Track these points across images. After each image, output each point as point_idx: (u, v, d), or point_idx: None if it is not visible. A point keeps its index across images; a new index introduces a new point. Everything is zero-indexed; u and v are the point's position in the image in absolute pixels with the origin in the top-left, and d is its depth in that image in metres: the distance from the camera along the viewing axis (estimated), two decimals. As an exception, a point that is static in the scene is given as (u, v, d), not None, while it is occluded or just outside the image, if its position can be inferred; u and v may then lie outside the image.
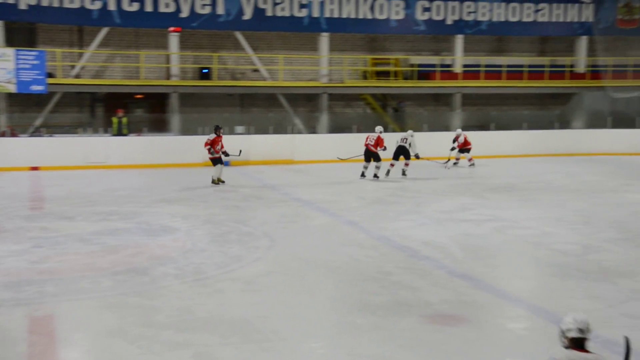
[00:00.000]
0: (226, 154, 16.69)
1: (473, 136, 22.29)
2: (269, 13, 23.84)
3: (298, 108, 25.12)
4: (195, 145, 19.72)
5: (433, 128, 23.59)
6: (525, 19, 25.80)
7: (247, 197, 14.91)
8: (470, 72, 25.63)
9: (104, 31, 23.02)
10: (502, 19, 25.63)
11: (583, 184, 16.80)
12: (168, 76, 24.00)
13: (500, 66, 25.65)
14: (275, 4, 23.84)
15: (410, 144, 18.27)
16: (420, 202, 14.12)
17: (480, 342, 6.59)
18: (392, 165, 18.01)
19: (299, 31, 24.66)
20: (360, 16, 24.55)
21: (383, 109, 26.01)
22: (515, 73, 25.66)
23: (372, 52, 26.29)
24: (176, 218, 12.38)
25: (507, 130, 23.50)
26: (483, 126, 24.07)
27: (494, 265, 9.50)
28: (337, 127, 23.57)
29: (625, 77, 26.13)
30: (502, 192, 15.48)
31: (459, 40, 25.66)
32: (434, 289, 8.16)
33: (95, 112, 24.29)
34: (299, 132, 23.15)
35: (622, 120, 24.08)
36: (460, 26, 25.43)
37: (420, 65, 25.77)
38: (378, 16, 24.68)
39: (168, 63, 23.97)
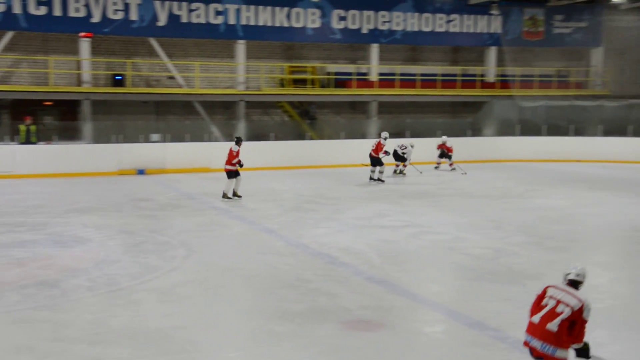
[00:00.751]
0: (241, 165, 15.24)
1: (388, 143, 22.74)
2: (184, 20, 23.53)
3: (215, 116, 24.88)
4: (108, 154, 19.21)
5: (350, 136, 23.83)
6: (437, 29, 26.48)
7: (164, 206, 14.62)
8: (386, 81, 26.07)
9: (8, 35, 22.15)
10: (416, 29, 26.23)
11: (494, 189, 17.33)
12: (79, 83, 23.30)
13: (414, 75, 26.21)
14: (191, 11, 23.56)
15: (404, 153, 19.84)
16: (338, 209, 14.22)
17: (398, 347, 6.67)
18: (397, 165, 19.96)
19: (215, 38, 24.46)
20: (277, 24, 24.59)
21: (301, 117, 26.11)
22: (429, 82, 26.28)
23: (289, 59, 26.37)
24: (89, 228, 12.00)
25: (422, 138, 24.00)
26: (399, 134, 24.49)
27: (410, 270, 9.66)
28: (255, 135, 23.47)
29: (531, 87, 27.20)
30: (417, 199, 15.78)
31: (375, 49, 26.06)
32: (352, 295, 8.21)
33: (0, 119, 23.29)
34: (216, 140, 22.92)
35: (529, 128, 25.02)
36: (375, 35, 25.84)
37: (337, 74, 26.02)
38: (295, 24, 24.78)
39: (79, 69, 23.28)
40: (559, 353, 5.00)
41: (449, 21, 26.54)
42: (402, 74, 26.12)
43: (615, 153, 22.87)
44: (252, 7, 24.23)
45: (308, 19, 24.88)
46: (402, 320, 7.53)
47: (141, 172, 19.80)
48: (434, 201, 15.46)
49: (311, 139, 23.76)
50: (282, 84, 26.07)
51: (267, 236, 11.65)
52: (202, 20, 23.71)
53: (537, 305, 5.22)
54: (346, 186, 17.59)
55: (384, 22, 25.81)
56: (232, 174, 15.19)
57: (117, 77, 23.69)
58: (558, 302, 5.09)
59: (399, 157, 20.05)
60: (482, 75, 27.55)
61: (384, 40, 26.03)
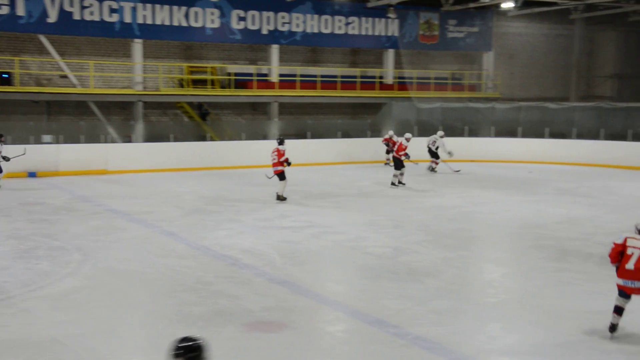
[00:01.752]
0: (288, 164, 15.10)
1: (291, 145, 22.78)
2: (76, 17, 22.67)
3: (111, 116, 24.16)
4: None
5: (251, 137, 23.73)
6: (337, 31, 26.80)
7: (57, 210, 14.05)
8: (287, 82, 26.14)
9: None
10: (316, 31, 26.44)
11: (394, 190, 17.68)
12: (-38, 81, 22.04)
13: (315, 76, 26.42)
14: (84, 8, 22.73)
15: (437, 147, 20.70)
16: (240, 211, 14.12)
17: (301, 347, 6.69)
18: (435, 163, 20.79)
19: (110, 37, 23.72)
20: (175, 23, 24.14)
21: (201, 118, 25.77)
22: (329, 83, 26.55)
23: (189, 60, 25.96)
24: (-25, 235, 11.37)
25: (322, 139, 24.21)
26: (300, 135, 24.61)
27: (312, 270, 9.71)
28: (154, 136, 22.95)
29: (428, 89, 27.98)
30: (318, 199, 15.89)
31: (275, 50, 26.07)
32: (254, 297, 8.17)
33: None
34: (113, 141, 22.26)
35: (426, 128, 25.73)
36: (275, 36, 25.86)
37: (237, 74, 25.85)
38: (193, 24, 24.42)
39: (-39, 67, 22.03)
40: None
41: (347, 23, 26.92)
42: (302, 75, 26.27)
43: (506, 153, 23.86)
44: (149, 5, 23.66)
45: (207, 18, 24.58)
46: (304, 320, 7.55)
47: (32, 174, 18.96)
48: (336, 201, 15.62)
49: (212, 140, 23.49)
50: (181, 84, 25.65)
51: (167, 239, 11.42)
52: (96, 18, 22.93)
53: (619, 253, 6.77)
54: (248, 187, 17.49)
55: (284, 23, 25.87)
56: (283, 175, 15.16)
57: (3, 75, 22.53)
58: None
59: (433, 154, 20.94)
60: (380, 77, 28.09)
61: (284, 42, 26.09)
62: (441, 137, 20.93)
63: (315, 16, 26.31)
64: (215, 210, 14.23)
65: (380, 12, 27.15)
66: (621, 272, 6.76)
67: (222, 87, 25.81)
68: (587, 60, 31.78)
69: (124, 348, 6.56)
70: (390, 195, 16.67)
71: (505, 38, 30.25)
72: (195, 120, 25.57)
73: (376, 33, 27.51)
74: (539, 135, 24.08)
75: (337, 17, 26.69)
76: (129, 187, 17.50)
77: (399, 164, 17.87)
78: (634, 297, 6.86)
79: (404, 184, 17.92)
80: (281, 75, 26.29)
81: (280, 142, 15.57)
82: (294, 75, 26.09)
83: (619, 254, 6.79)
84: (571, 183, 18.58)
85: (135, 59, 23.99)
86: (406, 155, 17.79)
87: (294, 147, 22.75)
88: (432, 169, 20.96)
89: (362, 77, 27.37)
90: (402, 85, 27.92)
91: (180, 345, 3.57)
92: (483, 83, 29.88)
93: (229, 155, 21.92)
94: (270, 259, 10.05)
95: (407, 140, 18.15)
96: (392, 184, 17.85)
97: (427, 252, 10.67)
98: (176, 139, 22.52)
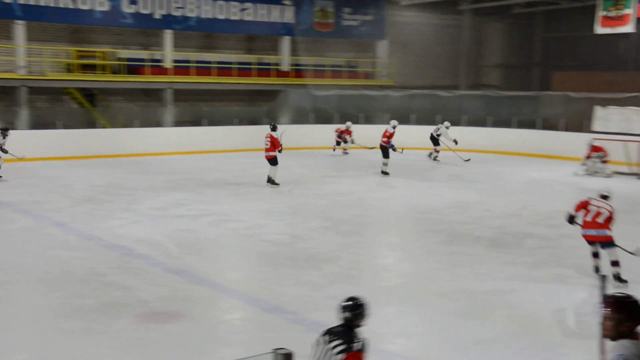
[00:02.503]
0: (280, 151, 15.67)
1: (183, 132, 22.54)
2: (-48, -4, 21.26)
3: (-7, 102, 22.88)
4: None
5: (145, 124, 23.08)
6: (232, 17, 26.45)
7: None
8: (181, 68, 25.58)
9: None
10: (210, 16, 25.99)
11: (290, 176, 17.71)
12: None
13: (210, 63, 25.99)
14: (-40, -14, 21.34)
15: (439, 134, 20.60)
16: (134, 200, 13.75)
17: (197, 336, 6.60)
18: (436, 151, 20.71)
19: (-11, 18, 22.41)
20: (61, 5, 23.03)
21: (89, 102, 24.82)
22: (224, 70, 26.19)
23: (77, 43, 24.89)
24: None
25: (219, 126, 23.91)
26: (195, 122, 24.17)
27: (209, 259, 9.60)
28: (40, 123, 21.89)
29: (324, 76, 28.15)
30: (215, 187, 15.71)
31: (168, 35, 25.45)
32: (149, 287, 7.99)
33: None
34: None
35: (322, 116, 25.91)
36: (168, 21, 25.22)
37: (129, 59, 25.04)
38: (81, 6, 23.40)
39: None
40: (607, 232, 8.36)
41: (243, 9, 26.63)
42: (197, 62, 25.79)
43: (400, 140, 24.34)
44: (32, -15, 22.50)
45: (96, 1, 23.63)
46: (201, 309, 7.46)
47: None
48: (232, 189, 15.49)
49: (103, 127, 22.71)
50: (69, 69, 24.60)
51: (56, 230, 10.97)
52: (-28, -2, 21.60)
53: (584, 209, 8.55)
54: (142, 175, 17.04)
55: (177, 8, 25.27)
56: (275, 161, 15.57)
57: None
58: (599, 207, 8.44)
59: (435, 141, 20.74)
60: (277, 64, 28.02)
61: (177, 27, 25.50)
62: (447, 127, 20.86)
63: (210, 1, 25.85)
64: (107, 199, 13.78)
65: (276, -2, 27.06)
66: (584, 224, 8.55)
67: (114, 72, 24.96)
68: (475, 50, 32.89)
69: (12, 344, 6.27)
70: (288, 182, 16.70)
71: (398, 27, 30.84)
72: (85, 106, 24.62)
73: (272, 20, 27.37)
74: (431, 122, 24.79)
75: (232, 3, 26.34)
76: (14, 177, 16.65)
77: (386, 152, 17.80)
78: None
79: (387, 173, 17.74)
80: (175, 61, 25.72)
81: (273, 129, 16.02)
82: (189, 62, 25.58)
83: (582, 207, 8.60)
84: (462, 169, 19.25)
85: (17, 41, 22.78)
86: (391, 145, 17.73)
87: (189, 135, 22.54)
88: (434, 158, 20.94)
89: (258, 64, 27.21)
90: (298, 72, 27.96)
91: (346, 303, 4.32)
92: (377, 71, 30.40)
93: (121, 142, 21.26)
94: (165, 249, 9.85)
95: (394, 127, 18.12)
96: (383, 172, 17.76)
97: (325, 238, 10.78)
98: (65, 126, 21.61)
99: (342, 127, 22.67)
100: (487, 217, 12.62)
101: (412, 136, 24.44)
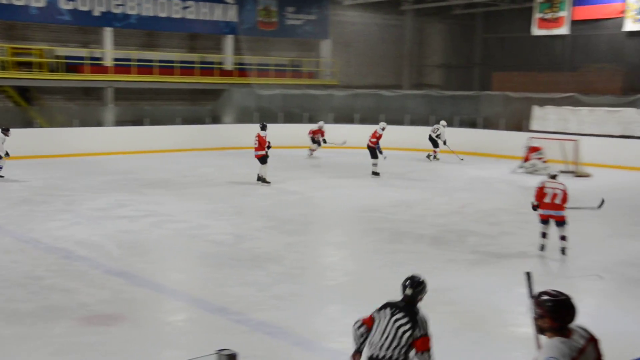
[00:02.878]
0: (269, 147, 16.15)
1: (125, 132, 22.16)
2: None
3: None
4: None
5: (84, 123, 22.59)
6: (174, 15, 26.11)
7: None
8: (122, 66, 25.12)
9: None
10: (152, 14, 25.58)
11: (235, 176, 17.61)
12: None
13: (152, 61, 25.61)
14: None
15: (438, 135, 20.68)
16: (73, 201, 13.43)
17: (141, 339, 6.49)
18: (434, 152, 20.88)
19: None
20: (-6, 0, 22.36)
21: (28, 103, 24.17)
22: (167, 68, 25.84)
23: (11, 40, 24.17)
24: None
25: (161, 126, 23.58)
26: (137, 121, 23.77)
27: (152, 260, 9.45)
28: (-27, 123, 21.20)
29: (268, 75, 28.08)
30: (158, 187, 15.48)
31: (108, 32, 24.95)
32: (89, 290, 7.82)
33: None
34: None
35: (267, 115, 25.83)
36: (108, 18, 24.72)
37: (67, 57, 24.45)
38: (15, 2, 22.70)
39: None
40: (562, 212, 9.48)
41: (185, 7, 26.31)
42: (138, 60, 25.37)
43: (344, 139, 24.52)
44: (-38, -21, 21.75)
45: (32, -3, 23.01)
46: (144, 311, 7.34)
47: None
48: (175, 189, 15.29)
49: (40, 126, 22.12)
50: (3, 66, 23.87)
51: (-9, 233, 10.63)
52: None
53: (542, 193, 9.56)
54: (82, 176, 16.67)
55: (117, 5, 24.79)
56: (264, 159, 15.92)
57: None
58: (554, 188, 9.52)
59: (434, 142, 20.80)
60: (220, 63, 27.80)
61: (118, 24, 25.03)
62: (444, 126, 20.95)
63: (151, -1, 25.46)
64: (45, 200, 13.43)
65: (218, -3, 26.84)
66: (542, 205, 9.59)
67: (51, 70, 24.34)
68: (418, 50, 33.32)
69: (-57, 353, 6.04)
70: (232, 182, 16.60)
71: (341, 27, 30.98)
72: (22, 105, 23.95)
73: (214, 18, 27.14)
74: (375, 121, 24.98)
75: (174, 1, 26.01)
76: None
77: (373, 153, 17.71)
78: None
79: (378, 173, 17.66)
80: (116, 60, 25.23)
81: (263, 128, 16.40)
82: (130, 60, 25.14)
83: (540, 193, 9.59)
84: (404, 168, 19.46)
85: (-50, 38, 22.01)
86: (379, 151, 17.63)
87: (130, 135, 22.17)
88: (435, 157, 20.98)
89: (201, 62, 26.93)
90: (241, 71, 27.80)
91: (408, 280, 4.75)
92: (321, 70, 30.48)
93: (60, 142, 20.74)
94: (106, 250, 9.66)
95: (382, 129, 18.08)
96: (374, 173, 17.68)
97: (269, 238, 10.75)
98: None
99: (314, 127, 22.19)
100: (429, 215, 12.79)
101: (355, 135, 24.62)
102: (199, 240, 10.47)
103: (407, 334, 4.46)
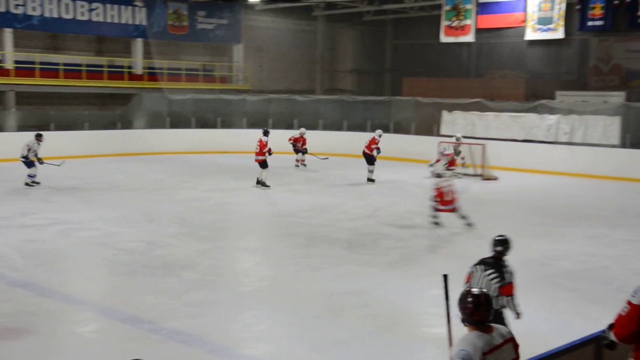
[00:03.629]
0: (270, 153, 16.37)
1: (29, 137, 21.25)
2: None
3: None
4: None
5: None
6: (79, 17, 25.27)
7: None
8: (24, 69, 24.14)
9: None
10: (55, 15, 24.69)
11: (146, 182, 17.23)
12: None
13: (57, 64, 24.74)
14: None
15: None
16: (-27, 210, 12.78)
17: (47, 352, 6.24)
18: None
19: None
20: None
21: None
22: (73, 72, 25.02)
23: None
24: None
25: (68, 131, 22.81)
26: (42, 126, 22.87)
27: (59, 270, 9.10)
28: None
29: (179, 80, 27.65)
30: (66, 194, 14.95)
31: (8, 34, 23.91)
32: (-9, 304, 7.44)
33: None
34: None
35: (179, 120, 25.42)
36: (8, 19, 23.68)
37: (-36, 60, 23.34)
38: None
39: None
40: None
41: (91, 10, 25.54)
42: (42, 63, 24.44)
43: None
44: None
45: None
46: (50, 323, 7.05)
47: None
48: (84, 196, 14.80)
49: None
50: None
51: None
52: None
53: (443, 194, 11.46)
54: (-18, 184, 15.90)
55: (18, 5, 23.76)
56: (265, 164, 16.19)
57: None
58: (450, 185, 11.54)
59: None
60: (129, 67, 27.16)
61: (18, 25, 24.01)
62: (379, 135, 20.51)
63: (55, 0, 24.60)
64: (-58, 210, 12.73)
65: (127, -1, 26.23)
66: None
67: (-53, 73, 23.14)
68: (330, 55, 33.61)
69: None
70: (144, 188, 16.23)
71: (254, 31, 30.89)
72: None
73: (123, 21, 26.49)
74: (289, 126, 25.05)
75: (79, 3, 25.19)
76: None
77: (370, 160, 17.72)
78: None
79: (373, 180, 17.66)
80: (17, 62, 24.22)
81: (265, 133, 16.73)
82: (33, 63, 24.20)
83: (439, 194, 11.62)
84: (319, 172, 19.56)
85: None
86: (378, 150, 17.75)
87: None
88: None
89: (109, 66, 26.22)
90: (152, 75, 27.25)
91: (497, 238, 5.76)
92: (234, 75, 30.28)
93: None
94: (9, 261, 9.25)
95: (379, 136, 18.08)
96: (369, 179, 17.65)
97: (182, 244, 10.56)
98: None
99: (296, 134, 21.38)
100: (344, 219, 12.88)
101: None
102: (110, 249, 10.17)
103: (496, 284, 5.46)
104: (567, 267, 9.63)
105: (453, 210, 11.81)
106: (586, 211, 14.20)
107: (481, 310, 3.54)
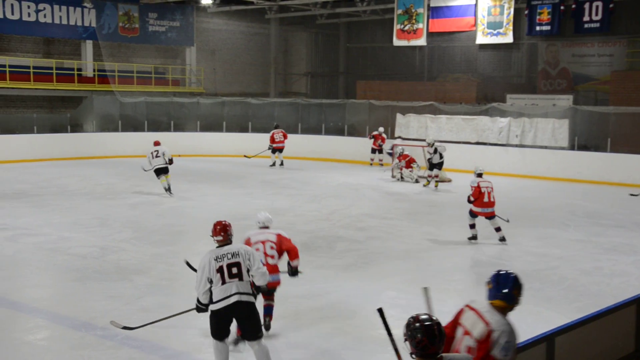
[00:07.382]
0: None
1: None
2: None
3: None
4: None
5: None
6: (26, 19, 24.66)
7: None
8: (-32, 71, 23.54)
9: None
10: (0, 17, 24.11)
11: (98, 186, 16.93)
12: None
13: (3, 66, 24.15)
14: None
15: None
16: None
17: (-4, 362, 6.06)
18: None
19: None
20: None
21: None
22: (20, 74, 24.44)
23: None
24: None
25: (15, 135, 22.28)
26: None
27: (6, 277, 8.87)
28: None
29: (131, 82, 27.26)
30: (13, 199, 14.59)
31: (-51, 35, 23.28)
32: (-63, 313, 7.21)
33: None
34: None
35: (131, 123, 25.08)
36: (-49, 20, 23.06)
37: None
38: None
39: None
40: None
41: (38, 10, 24.96)
42: (-12, 65, 23.85)
43: (212, 147, 24.28)
44: None
45: None
46: None
47: None
48: (33, 201, 14.47)
49: None
50: None
51: None
52: None
53: (480, 192, 10.73)
54: None
55: (-41, 5, 23.16)
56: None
57: None
58: (487, 187, 10.83)
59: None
60: (79, 69, 26.67)
61: (-40, 27, 23.39)
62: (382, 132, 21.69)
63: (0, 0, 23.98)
64: None
65: (75, 0, 25.71)
66: (479, 203, 10.79)
67: None
68: (284, 58, 33.59)
69: None
70: (96, 192, 15.95)
71: (206, 34, 30.66)
72: None
73: (72, 23, 25.97)
74: (243, 129, 24.93)
75: (25, 3, 24.58)
76: None
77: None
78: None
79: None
80: (-40, 64, 23.59)
81: (277, 127, 19.57)
82: (-23, 64, 23.58)
83: (478, 192, 10.74)
84: (274, 175, 19.51)
85: None
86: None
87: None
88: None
89: (58, 68, 25.70)
90: (103, 78, 26.79)
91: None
92: (187, 78, 30.01)
93: None
94: (-44, 269, 8.96)
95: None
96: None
97: (136, 249, 10.41)
98: None
99: (380, 131, 22.27)
100: (299, 222, 12.87)
101: (223, 143, 24.50)
102: (60, 254, 9.96)
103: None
104: (519, 268, 9.78)
105: (492, 214, 10.96)
106: (537, 212, 14.49)
107: (437, 344, 3.35)
